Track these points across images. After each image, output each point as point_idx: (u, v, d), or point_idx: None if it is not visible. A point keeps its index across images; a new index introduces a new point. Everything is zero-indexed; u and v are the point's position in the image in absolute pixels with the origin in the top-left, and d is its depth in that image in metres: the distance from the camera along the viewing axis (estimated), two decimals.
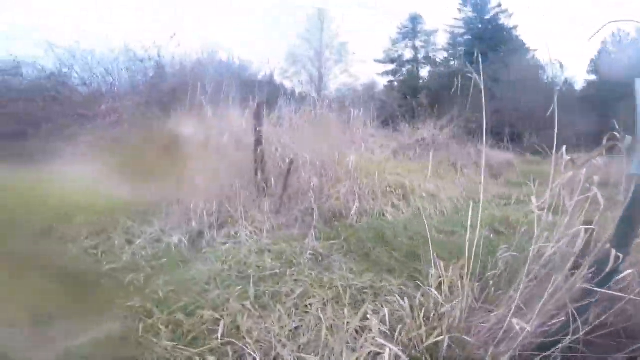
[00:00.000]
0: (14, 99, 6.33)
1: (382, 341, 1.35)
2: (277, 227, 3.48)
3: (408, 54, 19.70)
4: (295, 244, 2.97)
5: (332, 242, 3.10)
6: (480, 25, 18.36)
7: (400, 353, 1.32)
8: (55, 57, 6.97)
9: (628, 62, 16.24)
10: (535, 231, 1.63)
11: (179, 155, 4.55)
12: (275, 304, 2.03)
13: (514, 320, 1.30)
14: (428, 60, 20.03)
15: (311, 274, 2.45)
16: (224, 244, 3.02)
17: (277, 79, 15.26)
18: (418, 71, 20.23)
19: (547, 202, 1.71)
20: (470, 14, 18.45)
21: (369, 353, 1.37)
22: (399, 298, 1.95)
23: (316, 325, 1.87)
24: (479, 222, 1.90)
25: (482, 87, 1.83)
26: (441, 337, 1.48)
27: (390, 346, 1.30)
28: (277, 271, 2.46)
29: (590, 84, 18.14)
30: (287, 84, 15.90)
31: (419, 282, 2.34)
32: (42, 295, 1.68)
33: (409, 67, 20.04)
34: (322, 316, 1.92)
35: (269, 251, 2.82)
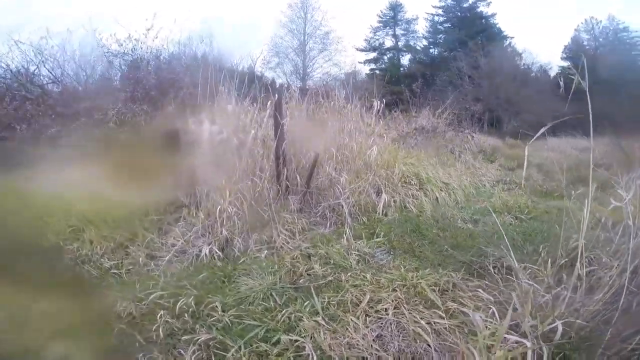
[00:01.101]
0: None
1: (521, 339, 1.27)
2: (307, 227, 3.32)
3: (389, 42, 19.76)
4: (337, 245, 2.84)
5: (375, 240, 2.99)
6: (459, 13, 18.65)
7: (535, 347, 1.24)
8: (21, 55, 6.31)
9: (600, 49, 17.23)
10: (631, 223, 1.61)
11: (190, 154, 4.27)
12: (345, 314, 1.91)
13: None
14: (408, 48, 20.20)
15: (366, 276, 2.34)
16: (260, 250, 2.83)
17: (260, 69, 14.80)
18: (399, 59, 20.36)
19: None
20: (450, 2, 18.68)
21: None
22: (483, 293, 1.89)
23: (399, 331, 1.77)
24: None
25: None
26: (555, 324, 1.43)
27: (527, 342, 1.23)
28: (331, 278, 2.32)
29: (564, 69, 19.03)
30: (269, 75, 15.49)
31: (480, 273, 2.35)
32: (81, 340, 1.43)
33: (389, 55, 20.12)
34: (401, 320, 1.83)
35: (313, 255, 2.67)
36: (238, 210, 3.03)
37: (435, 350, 1.57)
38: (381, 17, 19.49)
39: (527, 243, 2.96)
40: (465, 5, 18.56)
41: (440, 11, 19.12)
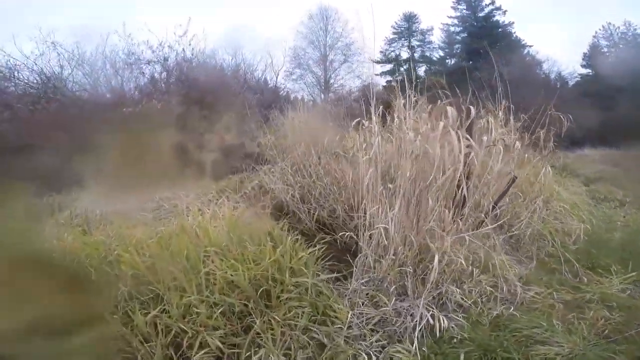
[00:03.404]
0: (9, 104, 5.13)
1: None
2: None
3: (404, 54, 20.15)
4: (584, 286, 2.43)
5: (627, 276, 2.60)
6: (475, 23, 19.25)
7: None
8: (57, 58, 6.24)
9: (619, 55, 17.99)
10: None
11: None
12: None
13: None
14: (425, 59, 20.59)
15: None
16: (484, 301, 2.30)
17: (282, 81, 14.68)
18: (415, 70, 20.64)
19: None
20: (465, 12, 19.32)
21: None
22: None
23: None
24: None
25: None
26: None
27: None
28: None
29: (584, 77, 19.67)
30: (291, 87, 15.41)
31: None
32: None
33: (406, 66, 20.41)
34: None
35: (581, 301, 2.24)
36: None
37: None
38: (395, 29, 19.98)
39: None
40: (481, 14, 19.21)
41: (455, 21, 19.75)
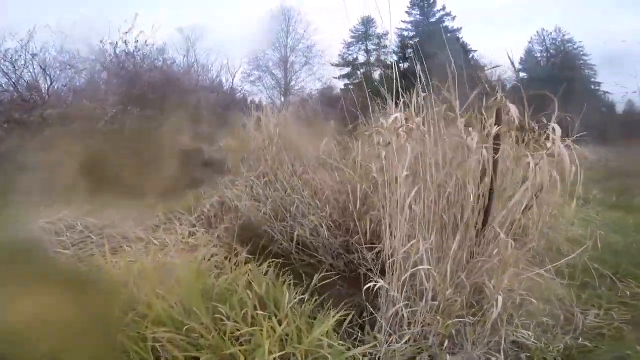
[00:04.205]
0: None
1: None
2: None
3: (362, 57, 20.15)
4: None
5: None
6: (427, 28, 19.78)
7: None
8: None
9: (551, 59, 19.52)
10: None
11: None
12: None
13: None
14: (379, 62, 20.72)
15: None
16: None
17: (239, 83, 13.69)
18: (371, 74, 20.74)
19: None
20: (419, 17, 19.77)
21: None
22: None
23: None
24: None
25: None
26: None
27: None
28: None
29: (520, 81, 21.11)
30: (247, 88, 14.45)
31: None
32: None
33: (363, 70, 20.40)
34: None
35: None
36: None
37: None
38: (353, 33, 19.90)
39: None
40: (432, 19, 19.77)
41: (409, 26, 20.13)
